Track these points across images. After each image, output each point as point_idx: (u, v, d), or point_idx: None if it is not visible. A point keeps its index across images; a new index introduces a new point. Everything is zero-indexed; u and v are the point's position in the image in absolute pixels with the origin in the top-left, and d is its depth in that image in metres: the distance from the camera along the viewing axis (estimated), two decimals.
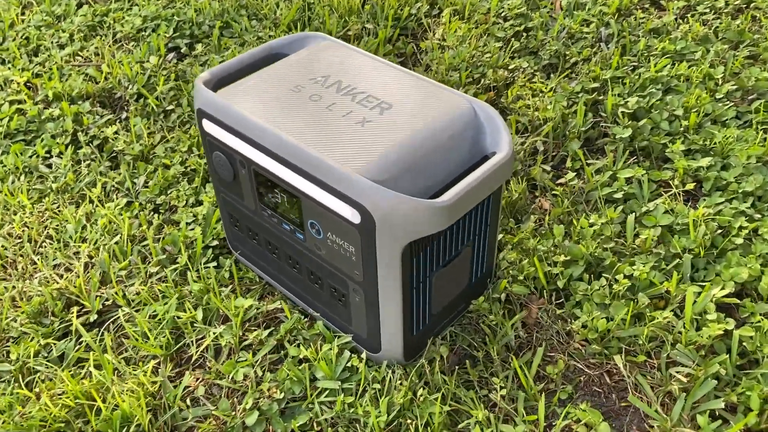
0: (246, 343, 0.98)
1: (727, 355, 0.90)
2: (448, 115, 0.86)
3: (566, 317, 1.00)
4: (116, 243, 1.13)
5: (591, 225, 1.08)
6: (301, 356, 0.94)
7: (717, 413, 0.87)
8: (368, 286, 0.86)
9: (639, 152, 1.24)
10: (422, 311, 0.91)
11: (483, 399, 0.91)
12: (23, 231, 1.17)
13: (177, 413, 0.91)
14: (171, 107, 1.42)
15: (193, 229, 1.14)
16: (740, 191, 1.11)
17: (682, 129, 1.24)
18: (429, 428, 0.86)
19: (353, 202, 0.78)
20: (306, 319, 1.01)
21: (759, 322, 0.94)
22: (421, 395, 0.88)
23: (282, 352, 0.97)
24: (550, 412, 0.90)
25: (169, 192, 1.23)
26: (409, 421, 0.87)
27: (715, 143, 1.20)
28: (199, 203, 1.20)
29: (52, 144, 1.35)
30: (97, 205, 1.21)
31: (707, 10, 1.60)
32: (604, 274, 1.02)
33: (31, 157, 1.34)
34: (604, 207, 1.13)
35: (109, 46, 1.65)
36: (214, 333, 0.98)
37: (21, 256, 1.13)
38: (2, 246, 1.15)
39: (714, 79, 1.36)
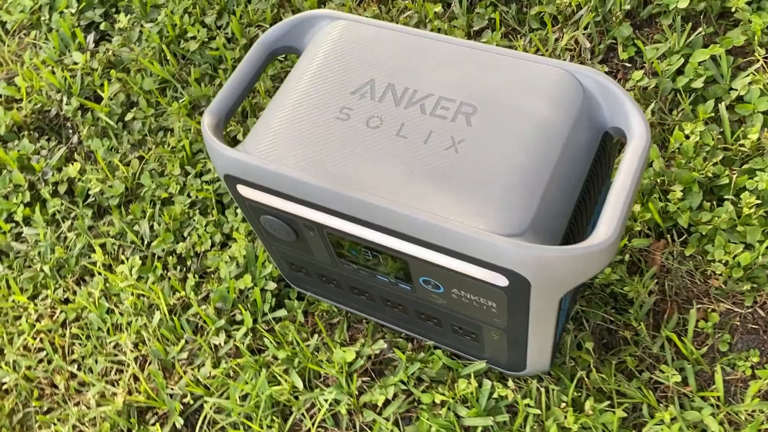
0: (364, 399, 0.85)
1: None
2: (556, 104, 0.67)
3: (695, 255, 0.89)
4: (159, 322, 0.95)
5: (688, 136, 0.93)
6: (438, 401, 0.83)
7: None
8: (514, 331, 0.72)
9: (693, 18, 1.06)
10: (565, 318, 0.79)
11: (649, 385, 0.82)
12: (40, 340, 0.97)
13: None
14: (130, 115, 1.15)
15: (240, 277, 0.96)
16: None
17: None
18: None
19: (495, 267, 0.62)
20: (415, 348, 0.88)
21: None
22: (589, 407, 0.79)
23: (410, 398, 0.86)
24: (714, 368, 0.82)
25: (185, 234, 1.02)
26: None
27: None
28: (228, 238, 1.01)
29: (8, 208, 1.10)
30: (107, 276, 1.00)
31: None
32: (724, 196, 0.90)
33: None
34: (687, 103, 0.98)
35: (8, 46, 1.31)
36: (325, 400, 0.85)
37: (56, 372, 0.95)
38: (27, 368, 0.96)
39: None
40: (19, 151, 1.14)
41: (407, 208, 0.63)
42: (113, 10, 1.32)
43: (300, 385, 0.87)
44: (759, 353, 0.82)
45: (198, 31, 1.19)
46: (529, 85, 0.69)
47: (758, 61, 0.98)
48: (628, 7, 1.06)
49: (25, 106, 1.20)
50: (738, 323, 0.85)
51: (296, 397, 0.87)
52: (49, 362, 0.96)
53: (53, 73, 1.22)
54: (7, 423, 0.94)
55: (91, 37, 1.28)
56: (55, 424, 0.91)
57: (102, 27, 1.29)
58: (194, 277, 0.97)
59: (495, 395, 0.82)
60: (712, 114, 0.95)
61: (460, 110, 0.69)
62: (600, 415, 0.79)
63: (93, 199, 1.09)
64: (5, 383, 0.96)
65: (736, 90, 0.96)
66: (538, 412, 0.80)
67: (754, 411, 0.78)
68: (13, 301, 1.01)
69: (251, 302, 0.94)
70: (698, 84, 0.98)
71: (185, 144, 1.06)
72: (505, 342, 0.76)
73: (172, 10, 1.24)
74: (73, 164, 1.11)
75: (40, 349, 0.97)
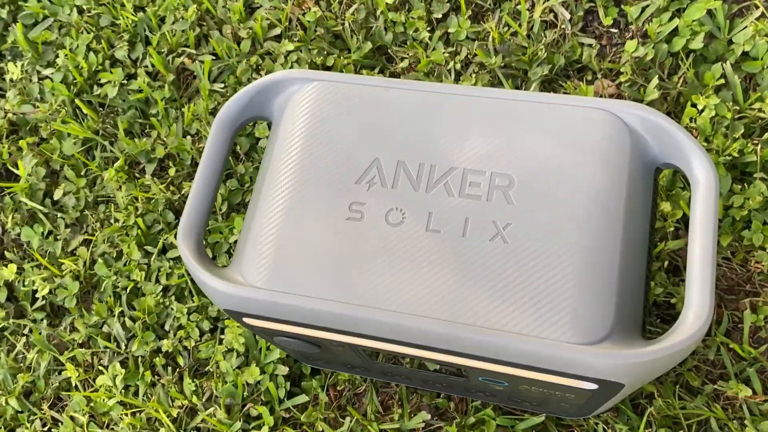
0: None
1: None
2: (606, 160, 0.56)
3: (733, 242, 0.82)
4: None
5: (701, 111, 0.85)
6: None
7: None
8: (587, 408, 0.65)
9: None
10: None
11: (715, 399, 0.77)
12: None
13: None
14: (58, 192, 0.97)
15: (244, 366, 0.84)
16: None
17: None
18: None
19: (582, 377, 0.53)
20: (458, 406, 0.80)
21: None
22: None
23: None
24: None
25: (167, 327, 0.88)
26: None
27: None
28: (217, 320, 0.88)
29: None
30: (91, 395, 0.87)
31: None
32: (753, 174, 0.82)
33: None
34: (687, 66, 0.88)
35: None
36: None
37: None
38: None
39: None
40: None
41: (464, 327, 0.53)
42: None
43: None
44: None
45: (112, 72, 1.00)
46: (569, 139, 0.57)
47: (758, 7, 0.88)
48: None
49: None
50: None
51: None
52: None
53: None
54: None
55: None
56: None
57: None
58: (191, 378, 0.85)
59: None
60: (721, 79, 0.86)
61: (494, 185, 0.57)
62: None
63: (43, 301, 0.93)
64: None
65: (740, 45, 0.87)
66: None
67: None
68: None
69: (264, 391, 0.84)
70: (697, 44, 0.88)
71: (138, 221, 0.91)
72: (576, 405, 0.69)
73: (71, 47, 1.04)
74: (7, 266, 0.94)
75: None
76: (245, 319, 0.61)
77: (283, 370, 0.83)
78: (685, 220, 0.83)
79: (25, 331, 0.92)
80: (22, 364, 0.91)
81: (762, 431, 0.74)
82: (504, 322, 0.53)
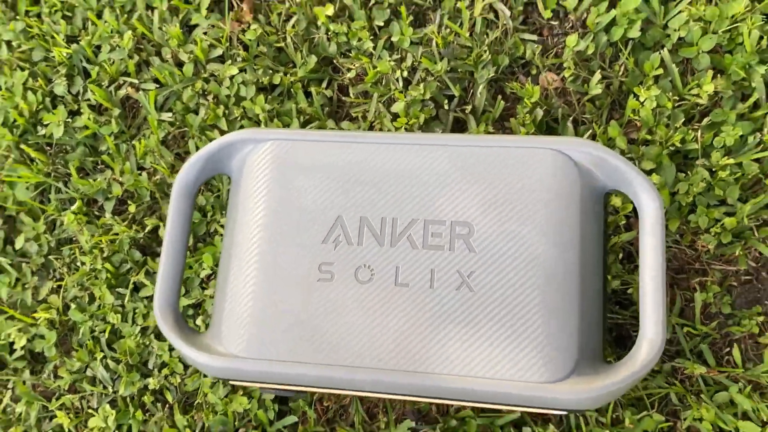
0: None
1: None
2: (558, 198, 0.59)
3: (681, 226, 0.87)
4: None
5: (643, 102, 0.87)
6: None
7: None
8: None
9: None
10: None
11: (677, 377, 0.84)
12: None
13: None
14: (19, 241, 0.97)
15: (229, 398, 0.87)
16: None
17: None
18: None
19: (556, 408, 0.58)
20: (439, 409, 0.86)
21: None
22: (629, 421, 0.80)
23: None
24: (725, 336, 0.84)
25: (151, 365, 0.91)
26: None
27: None
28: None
29: None
30: None
31: None
32: (695, 160, 0.86)
33: None
34: (626, 55, 0.90)
35: None
36: None
37: None
38: None
39: None
40: None
41: (439, 378, 0.57)
42: None
43: None
44: (760, 308, 0.84)
45: (54, 112, 0.98)
46: (521, 180, 0.60)
47: None
48: None
49: None
50: (734, 281, 0.86)
51: None
52: None
53: None
54: None
55: None
56: None
57: None
58: (181, 413, 0.88)
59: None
60: (660, 68, 0.89)
61: (455, 233, 0.60)
62: (639, 423, 0.81)
63: (22, 351, 0.94)
64: None
65: (675, 30, 0.90)
66: None
67: None
68: None
69: (254, 417, 0.87)
70: (635, 32, 0.90)
71: (106, 265, 0.91)
72: None
73: (7, 86, 1.00)
74: None
75: None
76: (231, 381, 0.63)
77: (269, 395, 0.87)
78: (635, 210, 0.88)
79: (9, 385, 0.94)
80: (12, 416, 0.93)
81: (716, 401, 0.81)
82: (477, 368, 0.56)
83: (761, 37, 0.87)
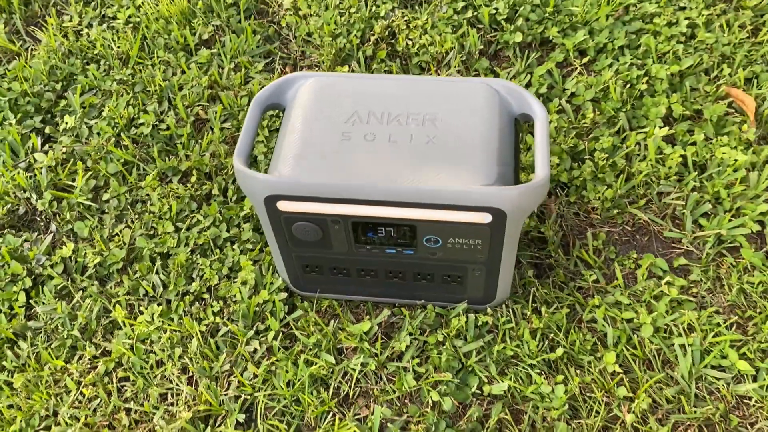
0: (385, 355, 1.11)
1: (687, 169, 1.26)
2: (486, 105, 1.01)
3: (577, 200, 1.27)
4: (197, 346, 1.12)
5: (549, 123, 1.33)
6: (440, 339, 1.11)
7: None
8: (492, 262, 1.04)
9: (524, 48, 1.49)
10: None
11: (577, 288, 1.17)
12: (89, 393, 1.10)
13: None
14: (106, 195, 1.32)
15: (252, 297, 1.17)
16: (616, 47, 1.43)
17: (546, 15, 1.50)
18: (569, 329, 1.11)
19: (485, 209, 0.93)
20: (411, 311, 1.16)
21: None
22: (545, 312, 1.12)
23: (416, 343, 1.12)
24: (612, 268, 1.20)
25: (194, 276, 1.21)
26: (553, 335, 1.10)
27: (577, 15, 1.49)
28: (231, 270, 1.21)
29: (8, 297, 1.21)
30: (134, 325, 1.16)
31: None
32: (584, 157, 1.30)
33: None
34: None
35: None
36: (355, 365, 1.09)
37: (116, 412, 1.08)
38: (86, 417, 1.08)
39: None
40: (7, 246, 1.26)
41: (414, 182, 0.93)
42: (49, 116, 1.48)
43: (332, 360, 1.10)
44: (635, 253, 1.21)
45: (148, 114, 1.40)
46: (466, 96, 1.03)
47: (576, 68, 1.42)
48: (481, 47, 1.47)
49: None
50: (617, 238, 1.24)
51: (331, 371, 1.10)
52: (105, 406, 1.09)
53: (11, 176, 1.35)
54: None
55: (39, 141, 1.42)
56: None
57: (47, 131, 1.44)
58: (214, 305, 1.17)
59: (479, 323, 1.12)
60: (560, 107, 1.36)
61: (426, 119, 1.00)
62: (552, 315, 1.12)
63: (93, 270, 1.24)
64: None
65: (569, 89, 1.39)
66: (512, 325, 1.11)
67: (645, 287, 1.16)
68: (49, 368, 1.13)
69: (270, 311, 1.16)
70: (543, 90, 1.39)
71: (172, 204, 1.26)
72: (483, 276, 1.07)
73: (114, 104, 1.44)
74: (66, 245, 1.25)
75: (93, 398, 1.10)
76: (279, 205, 0.98)
77: (282, 295, 1.17)
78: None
79: (81, 288, 1.22)
80: (79, 311, 1.19)
81: (606, 302, 1.14)
82: (437, 179, 0.93)
83: (623, 93, 1.36)
